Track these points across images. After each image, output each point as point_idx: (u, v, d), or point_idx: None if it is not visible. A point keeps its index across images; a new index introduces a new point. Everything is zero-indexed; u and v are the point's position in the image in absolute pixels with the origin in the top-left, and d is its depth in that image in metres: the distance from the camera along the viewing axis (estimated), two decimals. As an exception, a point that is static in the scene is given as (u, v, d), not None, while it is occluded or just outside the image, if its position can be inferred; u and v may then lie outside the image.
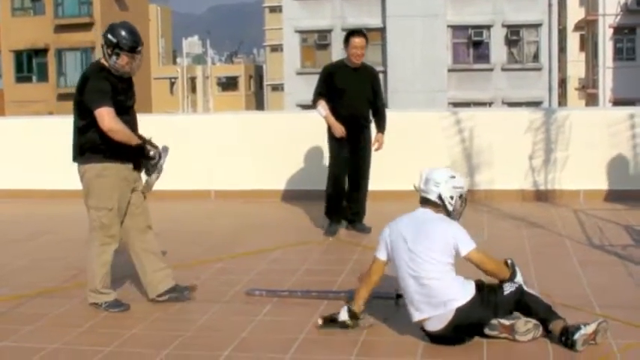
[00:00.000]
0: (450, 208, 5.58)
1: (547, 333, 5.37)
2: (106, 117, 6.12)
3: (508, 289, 5.43)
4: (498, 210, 10.28)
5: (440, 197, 5.56)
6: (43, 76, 52.52)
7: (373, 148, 9.05)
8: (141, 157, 6.39)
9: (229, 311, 6.32)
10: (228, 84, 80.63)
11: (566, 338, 5.21)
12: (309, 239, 8.90)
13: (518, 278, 5.62)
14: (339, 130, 8.77)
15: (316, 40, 42.03)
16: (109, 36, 6.23)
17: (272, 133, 11.94)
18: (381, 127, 9.09)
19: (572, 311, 5.82)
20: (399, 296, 5.88)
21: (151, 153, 6.37)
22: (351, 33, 8.94)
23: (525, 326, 5.34)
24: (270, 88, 77.38)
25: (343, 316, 5.66)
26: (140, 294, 6.82)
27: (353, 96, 8.83)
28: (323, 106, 8.83)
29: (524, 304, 5.41)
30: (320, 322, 5.74)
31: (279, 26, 50.10)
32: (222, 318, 6.17)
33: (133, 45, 6.23)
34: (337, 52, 40.97)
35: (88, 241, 6.51)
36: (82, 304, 6.57)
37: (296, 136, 11.65)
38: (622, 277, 6.98)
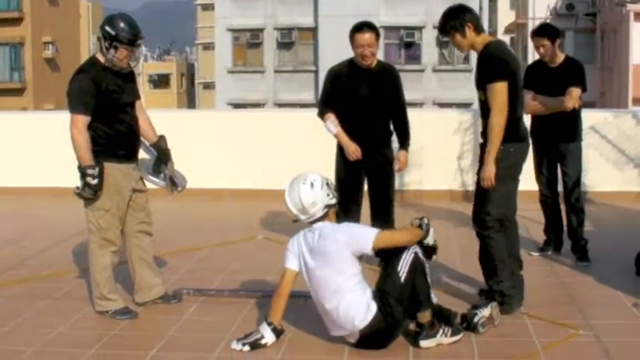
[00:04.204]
0: (334, 201, 5.47)
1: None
2: (74, 125, 5.81)
3: (399, 278, 5.22)
4: (427, 210, 10.35)
5: (326, 206, 5.43)
6: (-29, 72, 51.42)
7: (395, 168, 7.46)
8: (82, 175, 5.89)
9: (155, 310, 6.25)
10: (160, 81, 79.98)
11: (467, 324, 5.51)
12: (237, 238, 8.87)
13: (429, 238, 5.50)
14: (354, 151, 7.16)
15: (248, 39, 41.87)
16: (107, 28, 5.86)
17: (203, 131, 11.92)
18: (404, 143, 7.44)
19: (497, 310, 5.89)
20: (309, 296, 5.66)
21: (88, 179, 5.82)
22: (355, 29, 7.03)
23: (448, 339, 5.36)
24: (201, 87, 76.89)
25: (269, 336, 5.37)
26: (65, 291, 6.74)
27: (367, 104, 7.15)
28: (332, 122, 7.20)
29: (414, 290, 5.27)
30: (239, 346, 5.33)
31: (212, 24, 49.89)
32: (148, 317, 6.10)
33: (133, 38, 5.88)
34: (269, 51, 41.08)
35: (88, 245, 6.20)
36: (4, 304, 6.47)
37: (228, 134, 11.66)
38: (545, 276, 7.08)
